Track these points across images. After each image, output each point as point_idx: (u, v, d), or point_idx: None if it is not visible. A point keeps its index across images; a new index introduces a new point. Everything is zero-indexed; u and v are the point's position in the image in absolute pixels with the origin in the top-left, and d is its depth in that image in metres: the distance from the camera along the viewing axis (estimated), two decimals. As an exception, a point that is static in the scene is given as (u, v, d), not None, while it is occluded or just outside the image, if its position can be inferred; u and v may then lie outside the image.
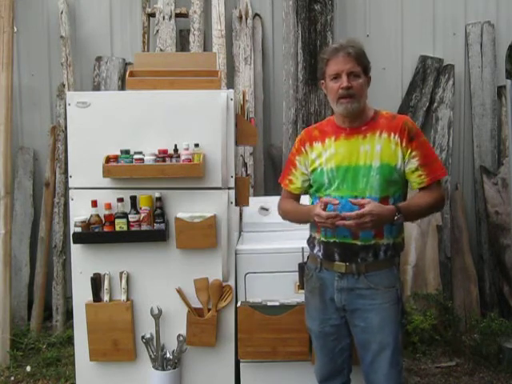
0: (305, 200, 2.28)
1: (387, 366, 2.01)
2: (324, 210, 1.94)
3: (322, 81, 2.10)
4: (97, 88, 3.98)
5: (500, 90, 3.96)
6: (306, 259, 2.26)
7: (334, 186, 2.04)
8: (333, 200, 1.95)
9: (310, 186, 2.17)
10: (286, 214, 2.26)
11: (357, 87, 2.00)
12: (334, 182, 2.04)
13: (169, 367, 2.56)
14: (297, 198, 2.26)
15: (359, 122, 2.06)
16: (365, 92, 2.06)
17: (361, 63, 2.02)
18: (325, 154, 2.08)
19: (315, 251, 2.12)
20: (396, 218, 1.94)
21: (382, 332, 2.01)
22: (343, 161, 2.04)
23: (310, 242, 2.18)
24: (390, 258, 2.04)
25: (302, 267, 2.25)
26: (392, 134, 2.02)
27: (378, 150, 2.01)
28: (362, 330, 2.05)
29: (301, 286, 2.27)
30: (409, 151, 2.01)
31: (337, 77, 2.01)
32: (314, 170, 2.12)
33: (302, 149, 2.16)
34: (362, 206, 1.89)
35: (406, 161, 2.02)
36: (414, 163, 2.02)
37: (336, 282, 2.06)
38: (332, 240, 2.05)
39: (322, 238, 2.07)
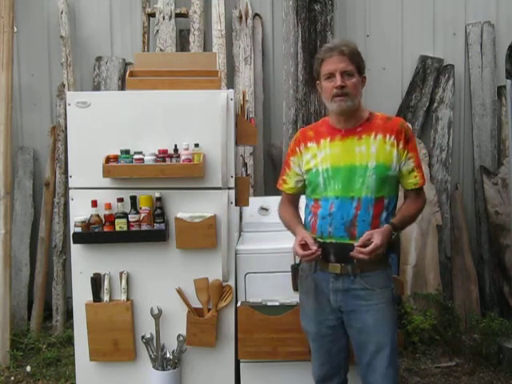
0: (304, 201, 2.28)
1: (385, 366, 2.01)
2: (303, 247, 2.00)
3: (318, 81, 2.12)
4: (97, 88, 3.98)
5: (500, 90, 3.97)
6: (298, 260, 2.23)
7: (329, 186, 2.04)
8: (310, 243, 1.99)
9: (305, 187, 2.18)
10: (280, 218, 2.30)
11: (351, 86, 2.01)
12: (329, 182, 2.05)
13: (169, 367, 2.56)
14: (294, 199, 2.26)
15: (354, 122, 2.06)
16: (359, 91, 2.06)
17: (354, 62, 2.02)
18: (320, 155, 2.08)
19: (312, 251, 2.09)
20: (393, 236, 2.01)
21: (378, 332, 2.01)
22: (339, 161, 2.04)
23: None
24: (383, 258, 2.04)
25: (295, 269, 2.23)
26: (388, 136, 2.03)
27: (373, 150, 2.02)
28: (358, 331, 2.05)
29: (294, 288, 2.25)
30: (405, 152, 2.04)
31: (331, 76, 2.02)
32: (308, 171, 2.11)
33: (297, 149, 2.17)
34: (367, 240, 1.94)
35: (402, 162, 2.05)
36: (410, 164, 2.06)
37: (331, 283, 2.05)
38: (328, 240, 2.04)
39: (319, 239, 2.06)
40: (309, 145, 2.12)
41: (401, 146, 2.03)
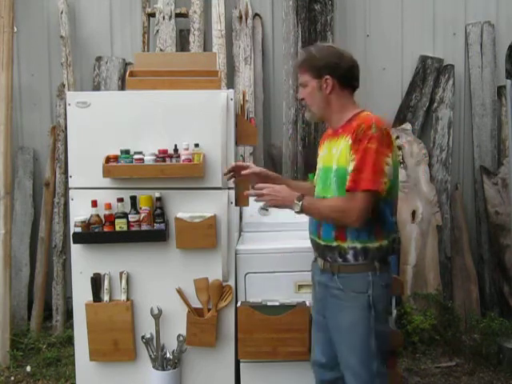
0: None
1: (358, 367, 2.01)
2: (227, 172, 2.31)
3: None
4: (97, 88, 3.98)
5: (500, 90, 3.97)
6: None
7: (317, 186, 2.14)
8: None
9: None
10: None
11: (306, 97, 2.07)
12: (317, 182, 2.14)
13: (169, 367, 2.56)
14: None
15: (336, 124, 2.08)
16: (316, 98, 2.05)
17: (306, 71, 2.05)
18: (319, 155, 2.19)
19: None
20: (294, 204, 1.98)
21: (349, 334, 2.01)
22: (323, 163, 2.12)
23: None
24: (363, 263, 1.99)
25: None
26: (348, 136, 1.96)
27: (338, 152, 2.00)
28: (333, 329, 2.08)
29: None
30: (351, 153, 1.92)
31: None
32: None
33: (320, 146, 2.24)
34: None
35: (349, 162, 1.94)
36: (351, 166, 1.91)
37: (317, 275, 2.13)
38: (310, 236, 2.15)
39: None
40: (322, 144, 2.21)
41: (350, 145, 1.92)
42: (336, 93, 2.04)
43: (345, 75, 2.04)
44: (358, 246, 1.98)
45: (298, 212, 2.00)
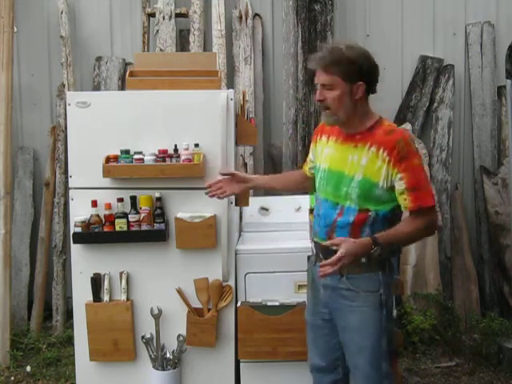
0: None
1: (367, 368, 2.00)
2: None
3: None
4: (97, 88, 3.98)
5: (500, 90, 3.96)
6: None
7: (322, 187, 2.06)
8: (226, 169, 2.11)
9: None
10: None
11: (330, 100, 1.93)
12: (323, 183, 2.06)
13: (169, 367, 2.56)
14: (308, 177, 2.29)
15: (354, 129, 2.00)
16: (344, 103, 1.93)
17: (335, 73, 1.90)
18: (325, 152, 2.08)
19: (312, 246, 2.17)
20: (372, 250, 1.90)
21: (359, 334, 2.00)
22: (332, 164, 2.03)
23: (311, 236, 2.23)
24: (374, 262, 1.98)
25: (308, 259, 2.27)
26: (381, 150, 1.91)
27: (363, 162, 1.94)
28: (342, 330, 2.06)
29: None
30: (395, 171, 1.90)
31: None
32: (315, 164, 2.17)
33: (316, 138, 2.18)
34: (336, 245, 1.89)
35: (391, 180, 1.92)
36: (401, 185, 1.91)
37: (322, 279, 2.05)
38: (315, 239, 2.10)
39: (312, 236, 2.15)
40: (323, 138, 2.12)
41: (391, 163, 1.90)
42: (363, 98, 1.97)
43: (375, 81, 1.99)
44: None
45: (377, 254, 1.91)
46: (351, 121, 1.98)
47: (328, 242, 1.94)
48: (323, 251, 2.03)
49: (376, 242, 1.89)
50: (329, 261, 1.87)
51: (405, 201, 1.92)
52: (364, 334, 1.99)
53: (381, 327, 2.00)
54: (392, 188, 1.93)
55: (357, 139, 1.98)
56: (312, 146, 2.22)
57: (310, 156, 2.24)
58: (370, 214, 1.96)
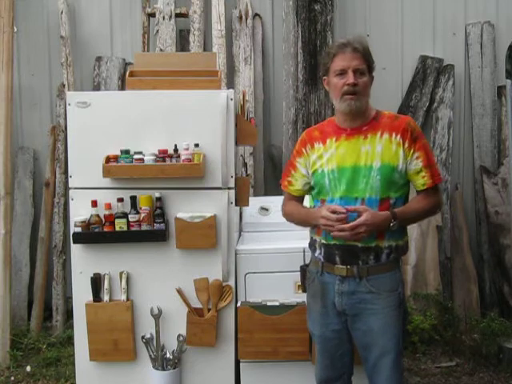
0: (306, 201, 2.28)
1: (389, 370, 2.00)
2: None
3: (325, 77, 2.06)
4: (97, 88, 3.98)
5: (500, 90, 3.96)
6: (308, 261, 2.23)
7: (334, 187, 2.01)
8: (339, 208, 1.93)
9: (312, 188, 2.14)
10: (289, 216, 2.23)
11: (362, 85, 1.98)
12: (334, 183, 2.01)
13: (169, 367, 2.56)
14: (298, 199, 2.23)
15: (360, 121, 2.02)
16: (368, 91, 2.03)
17: (367, 61, 2.00)
18: (326, 155, 2.05)
19: (316, 254, 2.09)
20: (392, 224, 1.94)
21: (383, 336, 1.99)
22: (344, 161, 2.00)
23: (312, 244, 2.14)
24: (392, 260, 2.01)
25: (303, 269, 2.22)
26: (394, 135, 1.99)
27: (378, 150, 1.98)
28: (363, 334, 2.03)
29: (303, 289, 2.24)
30: (411, 151, 1.98)
31: (342, 73, 1.97)
32: (314, 172, 2.08)
33: (303, 150, 2.12)
34: (359, 212, 1.91)
35: (408, 161, 1.99)
36: (418, 164, 1.99)
37: (337, 285, 2.02)
38: (333, 242, 2.01)
39: (323, 241, 2.04)
40: (315, 146, 2.09)
41: (406, 145, 1.98)
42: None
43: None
44: (393, 244, 2.00)
45: (394, 228, 1.96)
46: (365, 110, 2.03)
47: (352, 207, 1.93)
48: (345, 252, 1.99)
49: (395, 217, 1.94)
50: (349, 225, 1.88)
51: (423, 178, 2.00)
52: (388, 335, 1.99)
53: (400, 326, 2.02)
54: (406, 171, 2.00)
55: (365, 130, 2.01)
56: (300, 161, 2.14)
57: (303, 171, 2.14)
58: (390, 202, 1.98)
